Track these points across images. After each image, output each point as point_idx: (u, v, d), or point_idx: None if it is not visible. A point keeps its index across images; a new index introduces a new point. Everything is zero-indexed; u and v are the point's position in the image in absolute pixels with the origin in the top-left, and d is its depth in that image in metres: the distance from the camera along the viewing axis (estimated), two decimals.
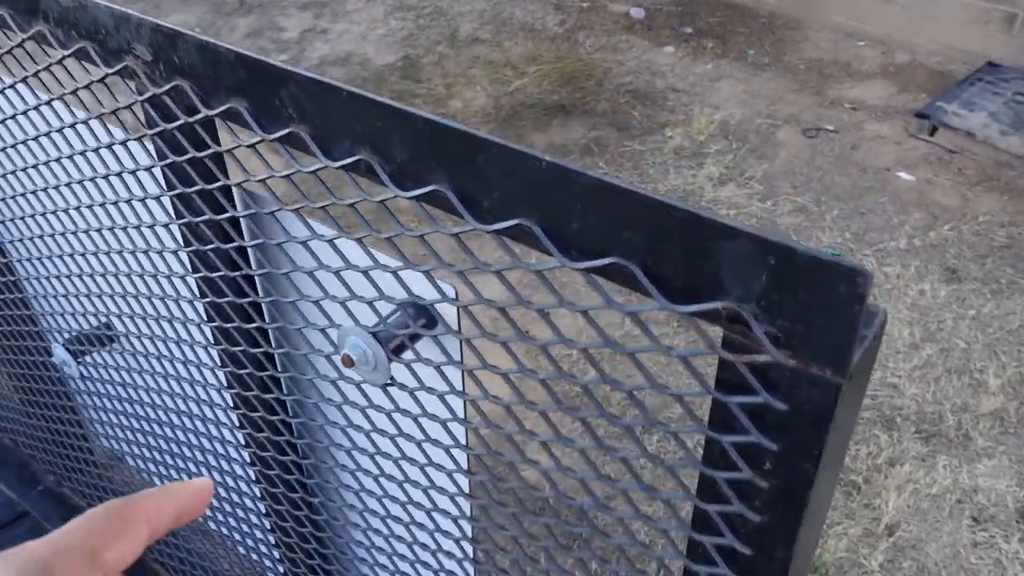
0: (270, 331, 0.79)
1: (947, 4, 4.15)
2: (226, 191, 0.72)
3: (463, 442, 0.66)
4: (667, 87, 4.20)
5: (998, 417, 2.54)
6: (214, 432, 1.02)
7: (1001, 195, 3.37)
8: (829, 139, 3.77)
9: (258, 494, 1.01)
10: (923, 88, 4.02)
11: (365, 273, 0.62)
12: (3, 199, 1.13)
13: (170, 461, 1.17)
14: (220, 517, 1.17)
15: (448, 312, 0.64)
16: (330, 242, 0.62)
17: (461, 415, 0.65)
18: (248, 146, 0.61)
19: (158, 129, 0.67)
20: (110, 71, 0.69)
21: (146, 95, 0.68)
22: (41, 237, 1.06)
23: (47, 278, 1.15)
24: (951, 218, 3.28)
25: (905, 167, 3.56)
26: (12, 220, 1.15)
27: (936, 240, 3.18)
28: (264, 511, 1.03)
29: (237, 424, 0.93)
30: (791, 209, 3.37)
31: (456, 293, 0.61)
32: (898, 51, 4.31)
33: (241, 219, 0.73)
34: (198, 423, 1.01)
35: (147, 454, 1.23)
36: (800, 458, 0.46)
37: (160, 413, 1.08)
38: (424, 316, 0.64)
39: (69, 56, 0.73)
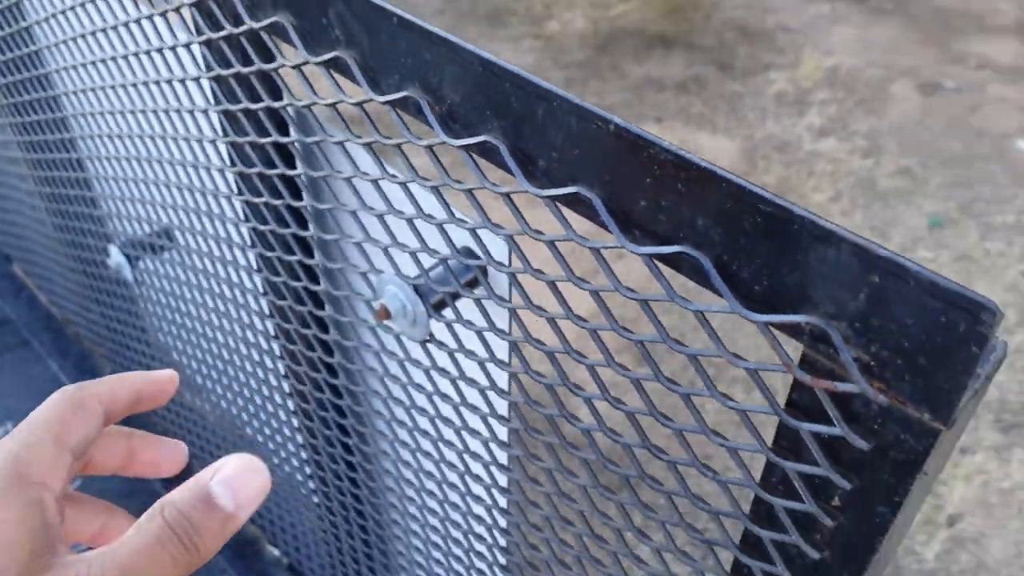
0: (313, 266, 0.75)
1: None
2: (272, 114, 0.67)
3: (502, 413, 0.61)
4: (778, 26, 3.94)
5: None
6: (255, 354, 0.99)
7: None
8: (947, 98, 3.50)
9: (295, 424, 0.99)
10: None
11: (410, 221, 0.56)
12: (74, 92, 1.10)
13: (215, 375, 1.16)
14: (258, 436, 1.16)
15: (496, 274, 0.58)
16: (374, 182, 0.56)
17: (503, 386, 0.59)
18: (292, 67, 0.55)
19: (203, 37, 0.61)
20: None
21: None
22: (105, 137, 1.04)
23: (109, 179, 1.12)
24: None
25: None
26: (81, 115, 1.12)
27: None
28: (301, 442, 1.01)
29: (278, 354, 0.90)
30: (894, 170, 3.15)
31: (509, 253, 0.55)
32: None
33: (290, 145, 0.67)
34: (240, 344, 0.99)
35: (199, 356, 1.22)
36: (877, 502, 0.39)
37: (207, 328, 1.06)
38: (468, 274, 0.58)
39: None
